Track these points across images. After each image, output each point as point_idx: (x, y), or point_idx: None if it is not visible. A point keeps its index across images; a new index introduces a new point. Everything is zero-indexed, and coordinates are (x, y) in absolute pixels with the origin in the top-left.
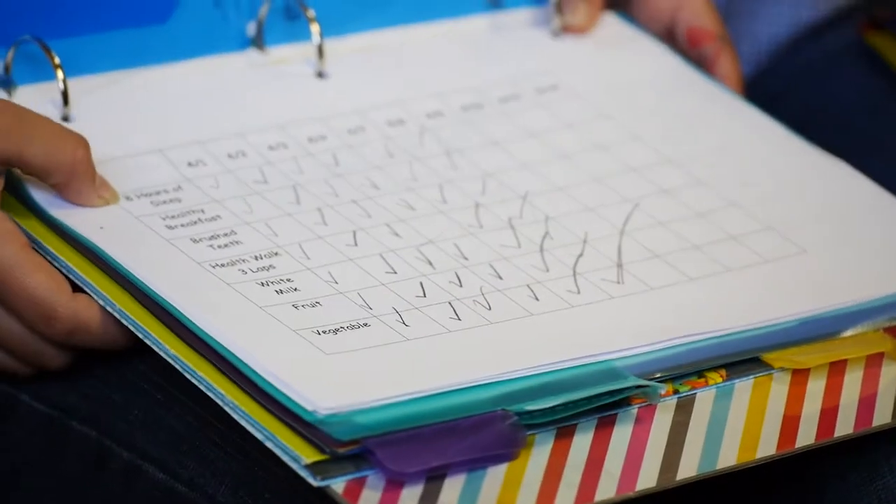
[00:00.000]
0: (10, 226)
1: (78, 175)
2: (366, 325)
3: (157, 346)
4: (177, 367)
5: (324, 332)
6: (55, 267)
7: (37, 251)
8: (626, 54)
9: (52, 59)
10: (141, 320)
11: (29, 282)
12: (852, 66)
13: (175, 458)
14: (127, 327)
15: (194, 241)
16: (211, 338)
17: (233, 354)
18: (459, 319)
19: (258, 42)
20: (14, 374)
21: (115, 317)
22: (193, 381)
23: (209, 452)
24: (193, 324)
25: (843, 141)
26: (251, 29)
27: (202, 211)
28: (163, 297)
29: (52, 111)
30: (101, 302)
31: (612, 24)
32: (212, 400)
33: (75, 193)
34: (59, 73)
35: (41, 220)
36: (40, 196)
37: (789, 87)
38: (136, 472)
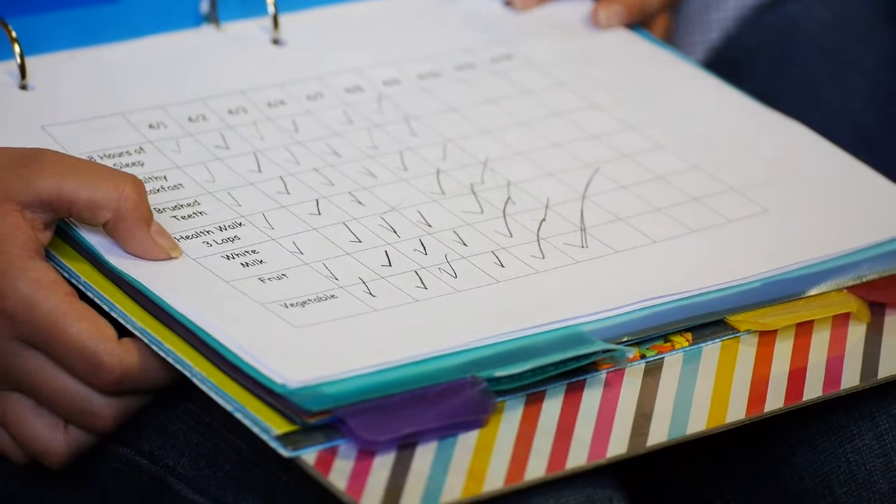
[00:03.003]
0: (54, 275)
1: (125, 213)
2: (333, 296)
3: (125, 320)
4: (144, 339)
5: (291, 304)
6: (104, 313)
7: (83, 301)
8: (578, 24)
9: (9, 32)
10: (105, 291)
11: (73, 330)
12: (815, 30)
13: (136, 432)
14: (172, 367)
15: (158, 210)
16: (180, 314)
17: (202, 330)
18: (426, 288)
19: (213, 18)
20: (49, 458)
21: (160, 358)
22: (161, 353)
23: (170, 425)
24: (161, 300)
25: (808, 106)
26: (205, 6)
27: (164, 178)
28: (129, 274)
29: (10, 81)
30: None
31: None
32: None
33: (127, 236)
34: (16, 47)
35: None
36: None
37: (754, 54)
38: (98, 446)
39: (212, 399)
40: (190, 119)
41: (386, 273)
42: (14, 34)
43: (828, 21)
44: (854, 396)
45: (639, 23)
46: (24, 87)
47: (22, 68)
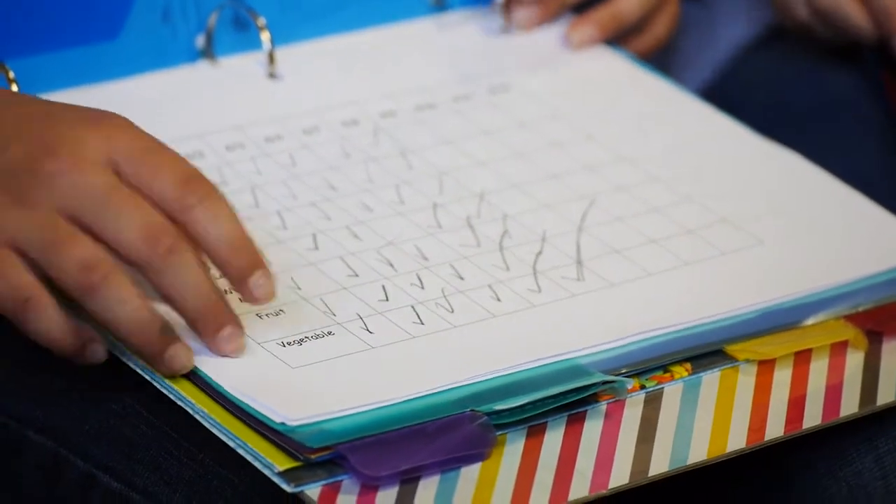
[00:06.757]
0: None
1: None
2: (330, 333)
3: (126, 358)
4: (145, 377)
5: (288, 343)
6: None
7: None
8: (576, 54)
9: (7, 74)
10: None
11: None
12: (809, 68)
13: (130, 468)
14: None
15: None
16: None
17: (200, 370)
18: (423, 324)
19: (208, 53)
20: None
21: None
22: (163, 390)
23: (163, 461)
24: None
25: (801, 145)
26: (200, 41)
27: None
28: None
29: None
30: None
31: (562, 25)
32: (166, 409)
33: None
34: (14, 88)
35: None
36: None
37: (747, 92)
38: (92, 482)
39: (205, 436)
40: (187, 156)
41: (383, 308)
42: (12, 75)
43: (820, 60)
44: (853, 420)
45: (625, 33)
46: None
47: None
